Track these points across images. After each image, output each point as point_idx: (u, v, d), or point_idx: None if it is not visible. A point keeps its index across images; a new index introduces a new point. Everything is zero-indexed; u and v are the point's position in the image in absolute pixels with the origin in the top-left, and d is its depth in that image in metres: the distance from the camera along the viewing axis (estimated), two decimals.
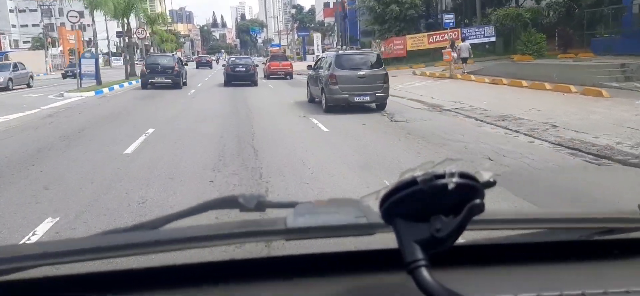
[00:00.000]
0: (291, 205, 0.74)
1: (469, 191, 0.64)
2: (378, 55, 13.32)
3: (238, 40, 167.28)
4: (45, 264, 0.72)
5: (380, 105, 11.82)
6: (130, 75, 31.26)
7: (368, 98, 11.60)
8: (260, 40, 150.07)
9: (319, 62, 14.05)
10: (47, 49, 64.36)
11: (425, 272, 0.62)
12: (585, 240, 0.91)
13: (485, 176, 0.66)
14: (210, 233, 0.73)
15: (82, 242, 0.78)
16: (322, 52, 63.51)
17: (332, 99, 11.61)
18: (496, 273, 0.84)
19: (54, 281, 0.78)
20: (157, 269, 0.82)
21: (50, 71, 51.32)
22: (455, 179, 0.63)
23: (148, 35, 47.45)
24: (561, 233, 0.95)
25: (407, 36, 32.71)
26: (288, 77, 28.21)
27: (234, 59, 26.40)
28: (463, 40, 25.77)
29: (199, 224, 0.78)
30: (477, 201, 0.63)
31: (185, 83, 22.56)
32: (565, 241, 0.92)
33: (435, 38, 31.29)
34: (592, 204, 4.38)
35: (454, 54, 21.46)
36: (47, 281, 0.77)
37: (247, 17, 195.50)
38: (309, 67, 16.10)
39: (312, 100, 13.80)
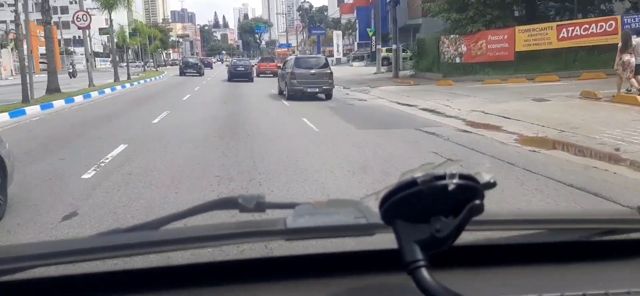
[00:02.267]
0: (291, 205, 0.74)
1: (469, 192, 0.63)
2: (325, 59, 18.73)
3: (240, 41, 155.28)
4: (46, 264, 0.71)
5: (328, 95, 16.31)
6: (52, 90, 17.64)
7: (317, 90, 16.07)
8: (263, 42, 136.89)
9: (285, 64, 18.93)
10: (4, 47, 51.23)
11: (425, 273, 0.62)
12: (586, 241, 0.90)
13: (485, 177, 0.66)
14: (210, 234, 0.72)
15: (82, 242, 0.77)
16: (342, 53, 49.03)
17: (292, 90, 16.14)
18: (496, 274, 0.82)
19: (55, 282, 0.77)
20: (157, 269, 0.81)
21: (13, 74, 38.61)
22: (455, 180, 0.62)
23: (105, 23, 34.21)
24: (561, 234, 0.93)
25: (518, 28, 19.45)
26: (274, 75, 31.65)
27: (235, 60, 34.89)
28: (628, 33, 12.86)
29: (199, 224, 0.79)
30: (477, 202, 0.63)
31: (203, 74, 38.35)
32: (565, 242, 0.91)
33: (571, 31, 18.01)
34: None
35: (633, 59, 11.69)
36: (48, 281, 0.77)
37: (250, 18, 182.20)
38: (279, 67, 23.16)
39: (281, 92, 18.31)
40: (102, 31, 50.07)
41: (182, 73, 37.86)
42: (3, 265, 0.69)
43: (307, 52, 61.21)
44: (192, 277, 0.80)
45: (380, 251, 0.78)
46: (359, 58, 47.45)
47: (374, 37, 40.78)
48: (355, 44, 59.67)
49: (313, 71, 16.26)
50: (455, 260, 0.78)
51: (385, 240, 0.70)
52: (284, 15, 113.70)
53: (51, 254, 0.71)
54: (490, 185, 0.66)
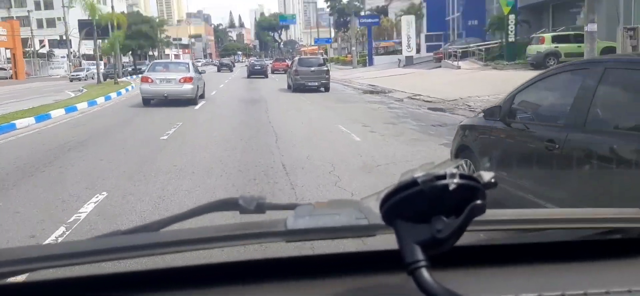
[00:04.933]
0: (291, 206, 0.73)
1: (470, 192, 0.63)
2: (323, 58, 24.93)
3: (257, 41, 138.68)
4: (47, 267, 0.72)
5: (325, 88, 20.01)
6: None
7: (316, 84, 19.70)
8: (281, 42, 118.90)
9: (291, 64, 24.01)
10: None
11: (425, 273, 0.61)
12: (587, 240, 0.90)
13: (486, 177, 0.66)
14: (210, 235, 0.73)
15: (83, 245, 0.78)
16: (415, 48, 37.05)
17: (296, 84, 19.95)
18: (497, 273, 0.82)
19: (55, 284, 0.77)
20: (158, 271, 0.81)
21: None
22: (456, 180, 0.61)
23: None
24: (562, 233, 0.92)
25: None
26: (285, 71, 35.49)
27: (253, 61, 43.18)
28: None
29: (199, 226, 0.79)
30: (478, 202, 0.62)
31: (232, 70, 49.55)
32: (566, 242, 0.90)
33: None
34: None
35: None
36: (49, 284, 0.77)
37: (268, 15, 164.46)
38: (287, 67, 29.25)
39: (289, 87, 21.54)
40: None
41: (219, 70, 50.74)
42: (4, 267, 0.69)
43: (353, 49, 42.77)
44: (192, 279, 0.79)
45: (381, 251, 0.77)
46: (455, 55, 28.50)
47: (511, 17, 22.28)
48: (422, 35, 40.98)
49: (313, 69, 19.99)
50: (456, 260, 0.76)
51: (386, 241, 0.70)
52: (314, 3, 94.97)
53: (51, 257, 0.71)
54: (491, 185, 0.65)
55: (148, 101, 14.69)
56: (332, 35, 63.21)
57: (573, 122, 3.14)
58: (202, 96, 16.27)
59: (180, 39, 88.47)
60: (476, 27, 36.24)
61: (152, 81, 14.42)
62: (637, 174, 2.73)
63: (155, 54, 71.58)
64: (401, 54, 37.51)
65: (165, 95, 14.23)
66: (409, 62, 35.52)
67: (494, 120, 3.91)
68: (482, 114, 4.35)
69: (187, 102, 14.60)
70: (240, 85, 26.23)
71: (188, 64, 16.60)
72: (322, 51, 61.45)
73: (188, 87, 14.46)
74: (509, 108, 3.79)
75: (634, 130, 2.92)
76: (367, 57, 44.01)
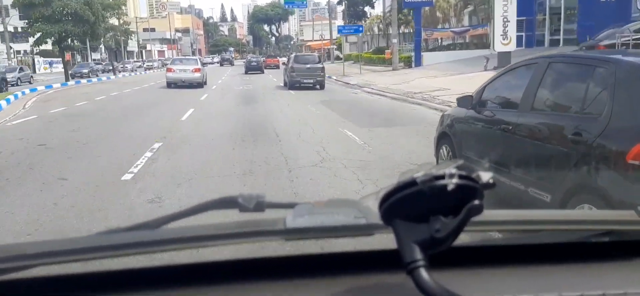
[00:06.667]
0: (290, 205, 0.73)
1: (468, 192, 0.63)
2: (318, 56, 23.31)
3: (251, 36, 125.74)
4: (46, 263, 0.72)
5: (321, 86, 19.92)
6: None
7: (312, 81, 19.72)
8: (279, 35, 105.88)
9: (288, 61, 23.62)
10: None
11: (424, 272, 0.61)
12: (584, 242, 0.89)
13: (484, 177, 0.65)
14: (209, 233, 0.73)
15: (82, 241, 0.78)
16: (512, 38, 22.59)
17: (291, 81, 20.13)
18: (495, 274, 0.81)
19: (54, 281, 0.78)
20: (157, 269, 0.81)
21: None
22: (454, 180, 0.61)
23: None
24: (560, 235, 0.92)
25: None
26: (276, 67, 43.54)
27: (250, 57, 47.34)
28: None
29: (199, 224, 0.79)
30: (476, 202, 0.62)
31: (233, 65, 59.90)
32: (564, 243, 0.90)
33: None
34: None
35: None
36: (47, 280, 0.77)
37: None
38: (284, 63, 29.57)
39: (285, 84, 21.64)
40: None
41: (221, 64, 60.84)
42: (3, 264, 0.69)
43: (393, 42, 29.32)
44: (191, 276, 0.79)
45: (379, 251, 0.77)
46: None
47: None
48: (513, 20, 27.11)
49: (308, 66, 19.96)
50: (454, 260, 0.76)
51: (385, 240, 0.70)
52: None
53: (51, 253, 0.71)
54: (490, 186, 0.65)
55: (170, 85, 21.44)
56: (342, 25, 49.22)
57: (523, 108, 3.78)
58: (205, 82, 23.24)
59: (153, 29, 73.27)
60: (611, 5, 22.42)
61: (174, 71, 21.96)
62: (567, 144, 3.24)
63: (130, 51, 57.63)
64: (488, 48, 24.24)
65: (183, 80, 21.36)
66: (505, 61, 21.77)
67: (466, 109, 4.57)
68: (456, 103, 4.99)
69: (197, 85, 21.51)
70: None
71: (197, 59, 25.85)
72: (335, 47, 47.31)
73: (198, 74, 21.93)
74: (479, 98, 4.46)
75: (568, 110, 3.52)
76: (413, 54, 30.49)
